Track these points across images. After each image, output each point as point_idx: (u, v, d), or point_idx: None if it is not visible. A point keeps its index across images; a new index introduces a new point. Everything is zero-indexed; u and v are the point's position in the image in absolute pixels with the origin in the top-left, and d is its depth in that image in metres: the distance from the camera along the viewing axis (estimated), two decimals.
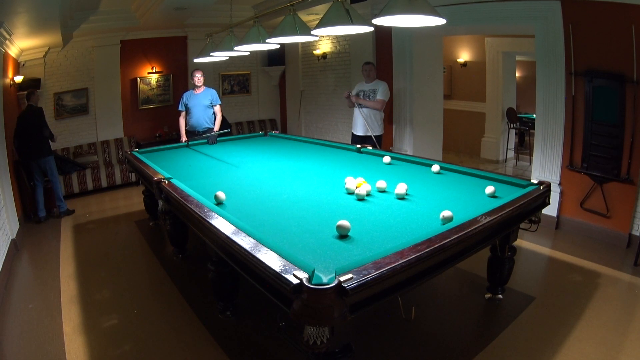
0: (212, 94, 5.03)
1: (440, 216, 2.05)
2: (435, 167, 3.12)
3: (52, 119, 5.93)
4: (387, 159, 3.46)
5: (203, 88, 4.96)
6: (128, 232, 4.39)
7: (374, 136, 4.65)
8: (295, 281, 1.41)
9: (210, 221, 2.06)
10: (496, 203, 2.22)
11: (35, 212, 4.77)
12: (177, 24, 6.36)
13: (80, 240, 4.15)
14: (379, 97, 4.62)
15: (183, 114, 5.02)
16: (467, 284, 3.03)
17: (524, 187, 2.57)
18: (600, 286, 2.92)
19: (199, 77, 4.88)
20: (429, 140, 5.64)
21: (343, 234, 1.92)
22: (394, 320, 2.53)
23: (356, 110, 4.79)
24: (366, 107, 4.67)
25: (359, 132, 4.79)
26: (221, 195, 2.50)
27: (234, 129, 7.37)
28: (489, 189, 2.50)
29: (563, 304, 2.71)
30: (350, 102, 4.82)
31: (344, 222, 1.91)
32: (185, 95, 5.00)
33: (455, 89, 7.64)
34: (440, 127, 5.78)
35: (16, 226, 4.09)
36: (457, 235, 1.81)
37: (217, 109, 5.06)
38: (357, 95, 4.75)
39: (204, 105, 4.94)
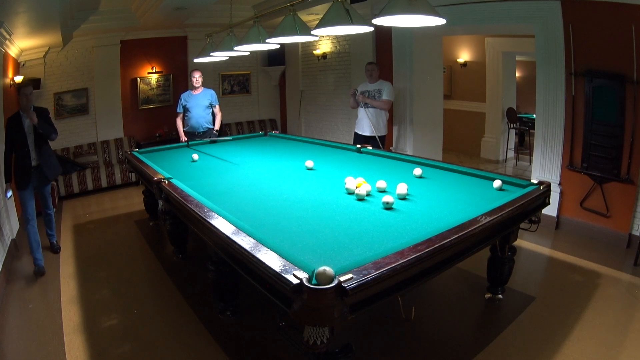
0: (211, 95, 5.02)
1: (383, 200, 2.27)
2: (417, 171, 2.99)
3: (52, 119, 5.92)
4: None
5: (201, 89, 4.95)
6: (128, 232, 4.39)
7: (378, 136, 4.65)
8: (295, 281, 1.41)
9: (210, 221, 2.06)
10: (496, 203, 2.22)
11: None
12: (177, 24, 6.36)
13: (80, 240, 4.15)
14: (385, 97, 4.61)
15: (181, 115, 5.01)
16: (467, 284, 3.03)
17: (524, 187, 2.57)
18: (600, 286, 2.92)
19: (197, 78, 4.87)
20: (429, 140, 5.64)
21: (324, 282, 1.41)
22: (394, 320, 2.53)
23: (362, 110, 4.77)
24: (373, 106, 4.66)
25: (365, 132, 4.77)
26: (195, 156, 3.80)
27: (234, 129, 7.38)
28: (497, 183, 2.59)
29: (563, 304, 2.71)
30: (353, 102, 4.81)
31: (327, 271, 1.41)
32: (183, 96, 4.97)
33: (455, 89, 7.64)
34: (440, 127, 5.78)
35: (16, 226, 4.09)
36: (457, 235, 1.81)
37: (217, 109, 5.05)
38: (362, 94, 4.74)
39: (203, 105, 4.93)
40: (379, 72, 4.76)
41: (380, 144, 4.62)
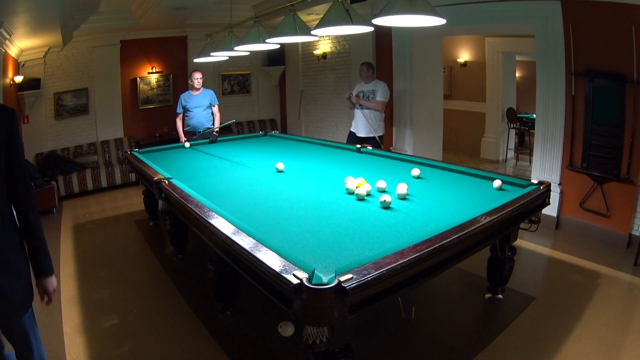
0: (211, 95, 5.03)
1: (380, 199, 2.29)
2: (415, 171, 2.97)
3: (52, 119, 5.94)
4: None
5: (201, 89, 4.96)
6: (128, 232, 4.38)
7: (378, 136, 4.66)
8: (295, 281, 1.40)
9: (210, 221, 2.06)
10: (496, 203, 2.22)
11: None
12: (177, 24, 6.36)
13: (80, 240, 4.15)
14: (378, 98, 4.61)
15: (181, 116, 5.01)
16: (467, 284, 3.03)
17: (524, 187, 2.57)
18: (600, 286, 2.92)
19: (198, 79, 4.87)
20: (429, 140, 5.64)
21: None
22: (394, 320, 2.53)
23: (357, 111, 4.78)
24: (367, 107, 4.67)
25: (361, 133, 4.77)
26: (187, 144, 4.36)
27: (233, 129, 7.38)
28: (497, 183, 2.60)
29: (563, 304, 2.71)
30: (351, 104, 4.82)
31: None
32: (182, 96, 4.97)
33: (455, 89, 7.64)
34: (440, 127, 5.78)
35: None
36: (457, 235, 1.81)
37: (216, 109, 5.06)
38: (357, 96, 4.75)
39: (203, 105, 4.94)
40: (371, 72, 4.75)
41: (380, 143, 4.63)
